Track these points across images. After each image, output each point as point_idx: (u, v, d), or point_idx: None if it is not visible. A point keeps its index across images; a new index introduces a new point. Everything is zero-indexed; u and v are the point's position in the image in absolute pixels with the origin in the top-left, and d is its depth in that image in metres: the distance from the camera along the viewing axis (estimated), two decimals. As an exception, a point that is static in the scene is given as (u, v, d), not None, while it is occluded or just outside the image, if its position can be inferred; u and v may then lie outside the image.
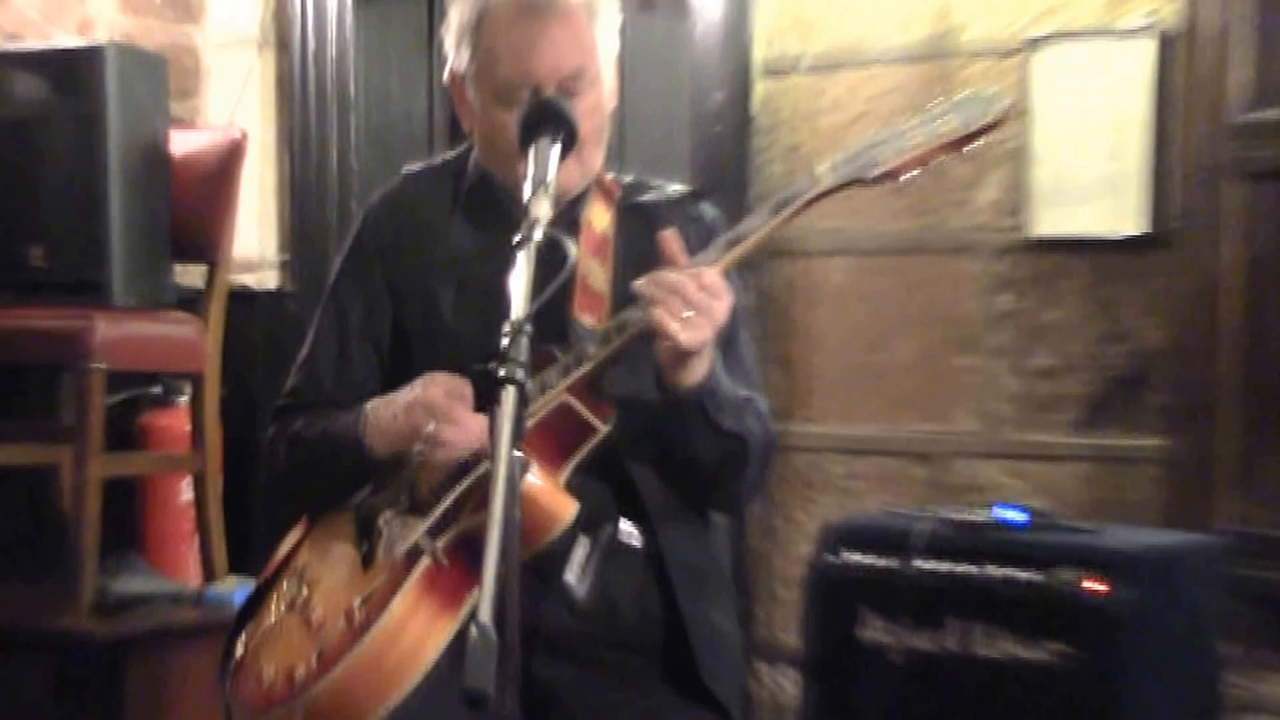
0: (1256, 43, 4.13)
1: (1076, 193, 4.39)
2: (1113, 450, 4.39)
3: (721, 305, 2.53)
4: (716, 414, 2.66)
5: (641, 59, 3.03)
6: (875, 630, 3.79)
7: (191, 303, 4.53)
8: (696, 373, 2.60)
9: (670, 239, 2.56)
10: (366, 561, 2.63)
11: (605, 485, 2.75)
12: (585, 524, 2.64)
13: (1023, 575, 3.65)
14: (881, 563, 3.80)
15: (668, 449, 2.75)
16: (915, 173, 2.64)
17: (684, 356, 2.55)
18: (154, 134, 4.41)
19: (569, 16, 2.79)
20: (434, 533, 2.56)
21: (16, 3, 4.80)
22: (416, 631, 2.52)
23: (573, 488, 2.61)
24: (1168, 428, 4.28)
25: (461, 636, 1.92)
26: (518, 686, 2.06)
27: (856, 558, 3.85)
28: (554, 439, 2.60)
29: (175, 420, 4.74)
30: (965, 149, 2.65)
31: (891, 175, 2.61)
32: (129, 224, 4.30)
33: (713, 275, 2.54)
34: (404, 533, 2.58)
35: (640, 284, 2.54)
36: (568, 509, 2.56)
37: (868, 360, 4.65)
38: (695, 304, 2.50)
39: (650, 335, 2.55)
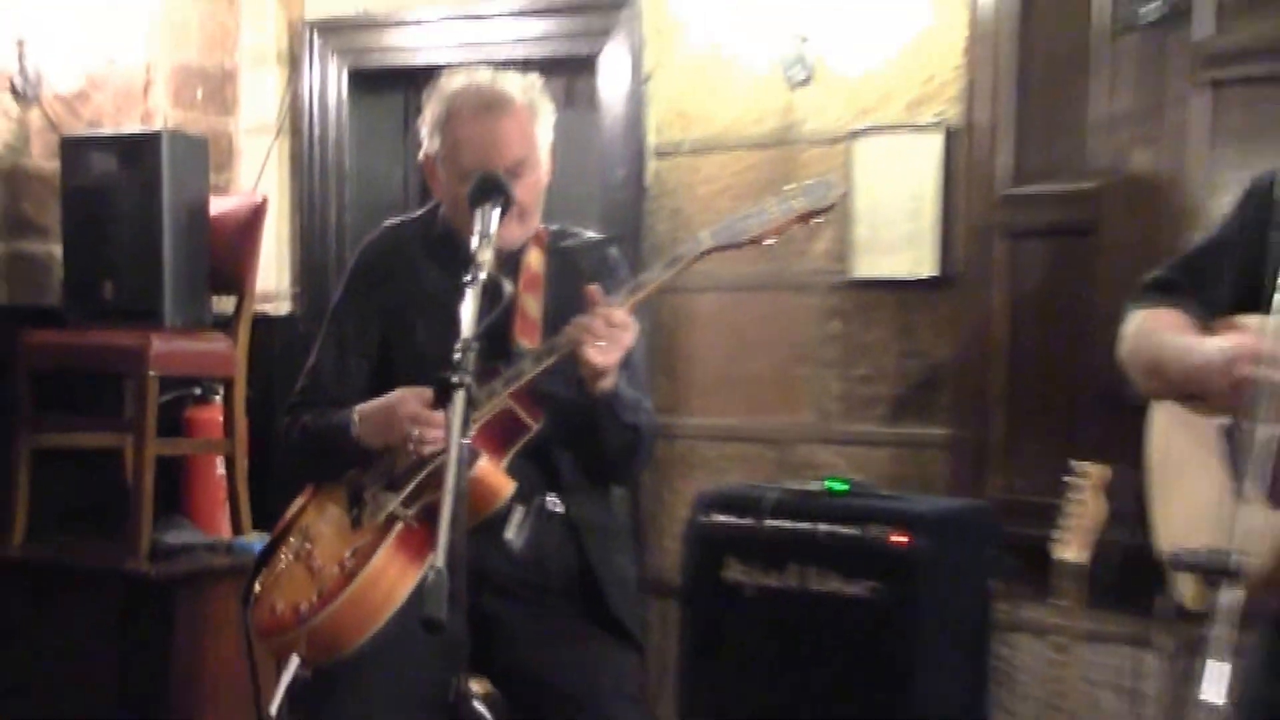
0: (1016, 137, 4.14)
1: (886, 245, 4.37)
2: (912, 437, 4.39)
3: (628, 335, 2.59)
4: (621, 412, 2.69)
5: (563, 142, 3.06)
6: (735, 572, 3.84)
7: (224, 324, 4.53)
8: (607, 383, 2.62)
9: (594, 291, 2.59)
10: (355, 524, 2.64)
11: (537, 467, 2.77)
12: (521, 495, 2.68)
13: (845, 530, 3.72)
14: (740, 521, 3.86)
15: (584, 437, 2.75)
16: (773, 240, 2.70)
17: (599, 373, 2.58)
18: (197, 198, 4.40)
19: (516, 115, 2.80)
20: (407, 503, 2.59)
21: (96, 99, 4.80)
22: (393, 577, 2.55)
23: (512, 469, 2.64)
24: (952, 421, 4.28)
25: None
26: (464, 615, 2.13)
27: (722, 518, 3.90)
28: (498, 434, 2.64)
29: (211, 414, 4.72)
30: (811, 222, 2.72)
31: (756, 241, 2.67)
32: (177, 265, 4.31)
33: (621, 314, 2.58)
34: (385, 502, 2.61)
35: (569, 326, 2.59)
36: (507, 487, 2.61)
37: (731, 370, 4.63)
38: (608, 336, 2.56)
39: (574, 357, 2.59)
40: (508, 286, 2.44)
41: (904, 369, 4.40)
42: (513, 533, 2.72)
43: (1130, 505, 2.88)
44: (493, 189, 2.57)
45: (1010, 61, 4.13)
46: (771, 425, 4.61)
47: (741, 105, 4.66)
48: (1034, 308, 4.06)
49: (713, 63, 4.61)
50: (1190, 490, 2.55)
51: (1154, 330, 2.60)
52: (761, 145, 4.62)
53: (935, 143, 4.29)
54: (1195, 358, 2.46)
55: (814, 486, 3.96)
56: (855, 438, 4.48)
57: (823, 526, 3.75)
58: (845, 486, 3.93)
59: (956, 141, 4.25)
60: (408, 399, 2.63)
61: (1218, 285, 2.61)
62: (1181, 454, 2.59)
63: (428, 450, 2.58)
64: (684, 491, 4.46)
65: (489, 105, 2.79)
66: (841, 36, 4.43)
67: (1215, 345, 2.43)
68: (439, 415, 2.54)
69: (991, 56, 4.15)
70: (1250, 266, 2.54)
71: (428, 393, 2.56)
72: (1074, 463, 3.16)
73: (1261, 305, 2.43)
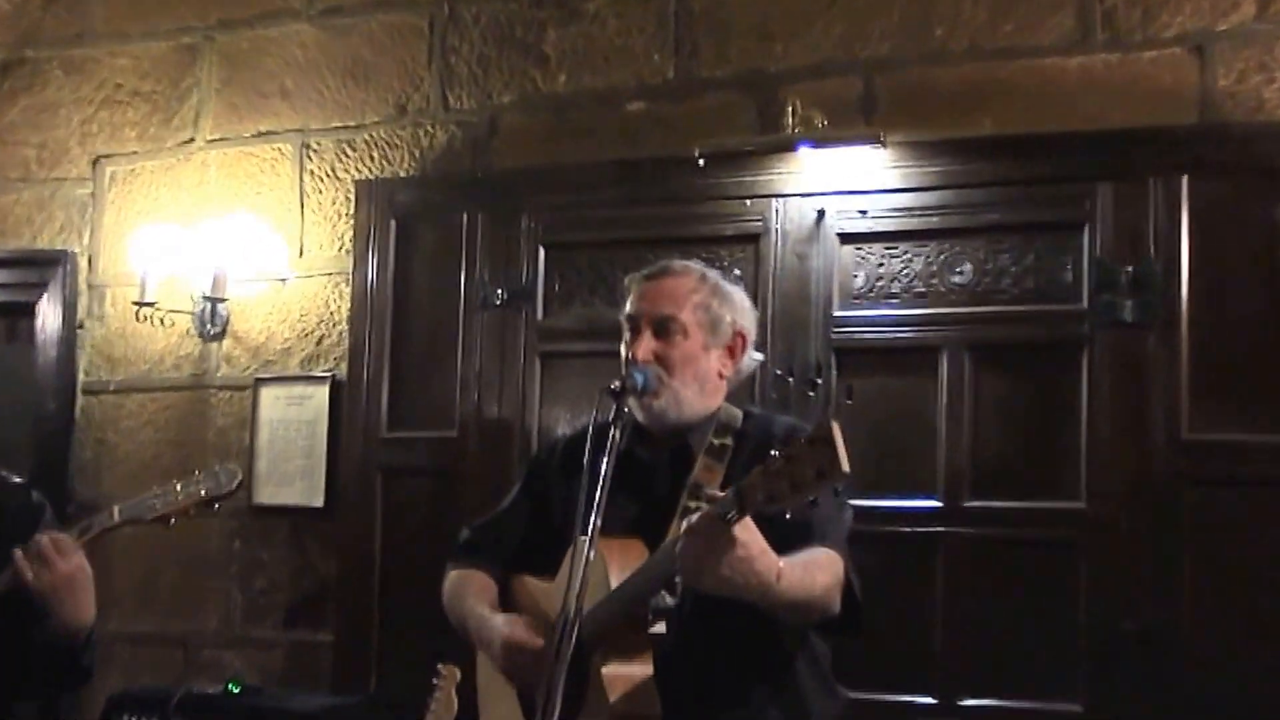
0: (390, 390, 4.31)
1: (283, 477, 4.47)
2: (304, 641, 4.43)
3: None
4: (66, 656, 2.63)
5: (2, 376, 2.86)
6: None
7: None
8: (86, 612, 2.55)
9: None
10: None
11: None
12: None
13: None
14: (146, 720, 3.74)
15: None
16: (174, 521, 2.64)
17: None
18: None
19: None
20: None
21: None
22: None
23: None
24: (338, 627, 4.32)
25: None
26: None
27: (128, 718, 3.88)
28: None
29: None
30: (214, 506, 2.70)
31: (162, 519, 2.63)
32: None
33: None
34: None
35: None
36: None
37: (149, 583, 4.56)
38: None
39: None
40: None
41: (297, 583, 4.47)
42: None
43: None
44: None
45: (386, 328, 4.34)
46: (181, 631, 4.57)
47: (162, 352, 4.73)
48: (405, 532, 4.19)
49: (138, 315, 4.60)
50: (497, 700, 2.78)
51: (464, 595, 2.79)
52: (179, 388, 4.70)
53: (325, 392, 4.45)
54: (484, 634, 2.67)
55: (214, 689, 3.95)
56: (255, 642, 4.48)
57: (216, 720, 3.66)
58: (239, 688, 3.95)
59: (343, 392, 4.40)
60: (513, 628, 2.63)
61: (509, 547, 2.83)
62: (491, 677, 2.80)
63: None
64: (101, 692, 4.14)
65: None
66: (249, 301, 4.63)
67: (498, 630, 2.64)
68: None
69: (372, 323, 4.37)
70: (536, 522, 2.80)
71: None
72: (439, 665, 3.09)
73: (549, 552, 2.66)
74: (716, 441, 2.60)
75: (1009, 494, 3.74)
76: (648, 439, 2.60)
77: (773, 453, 2.07)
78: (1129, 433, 3.64)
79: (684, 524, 2.27)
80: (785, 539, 2.31)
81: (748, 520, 2.17)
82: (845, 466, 2.01)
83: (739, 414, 2.67)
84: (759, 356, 2.83)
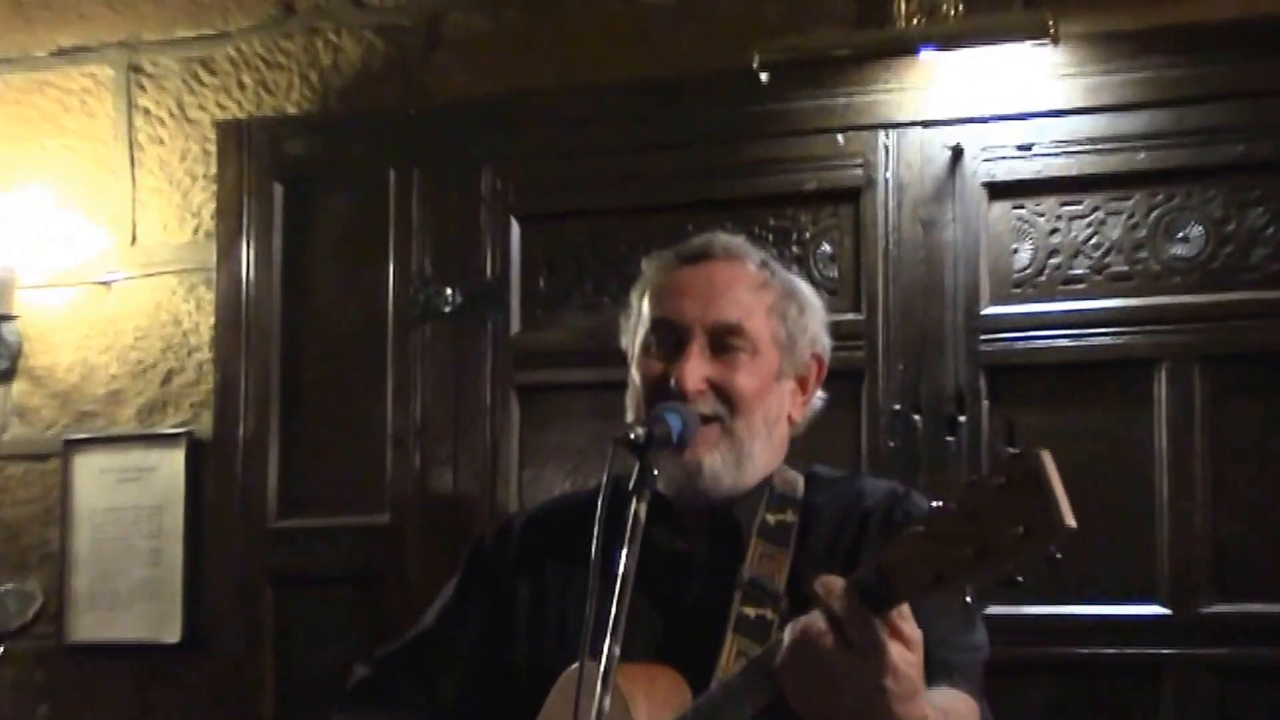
0: (283, 453, 4.26)
1: (117, 599, 4.39)
2: None
3: None
4: None
5: None
6: None
7: None
8: None
9: None
10: None
11: None
12: None
13: None
14: None
15: None
16: None
17: None
18: None
19: None
20: None
21: None
22: None
23: None
24: None
25: None
26: None
27: None
28: None
29: None
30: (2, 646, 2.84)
31: None
32: None
33: None
34: None
35: None
36: None
37: None
38: None
39: None
40: None
41: (149, 764, 4.41)
42: None
43: None
44: None
45: (274, 356, 4.29)
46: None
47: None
48: (312, 673, 4.14)
49: None
50: None
51: None
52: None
53: (179, 460, 4.39)
54: None
55: None
56: None
57: None
58: None
59: (208, 459, 4.37)
60: None
61: (440, 686, 2.75)
62: None
63: None
64: None
65: None
66: (52, 318, 4.63)
67: None
68: None
69: (250, 348, 4.31)
70: (486, 645, 2.72)
71: None
72: None
73: (511, 693, 2.61)
74: (773, 519, 2.63)
75: (1271, 594, 3.70)
76: (671, 517, 2.57)
77: (934, 504, 2.02)
78: None
79: (786, 629, 2.22)
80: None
81: (906, 620, 2.10)
82: (1069, 519, 1.93)
83: (798, 477, 2.70)
84: (822, 394, 2.90)
